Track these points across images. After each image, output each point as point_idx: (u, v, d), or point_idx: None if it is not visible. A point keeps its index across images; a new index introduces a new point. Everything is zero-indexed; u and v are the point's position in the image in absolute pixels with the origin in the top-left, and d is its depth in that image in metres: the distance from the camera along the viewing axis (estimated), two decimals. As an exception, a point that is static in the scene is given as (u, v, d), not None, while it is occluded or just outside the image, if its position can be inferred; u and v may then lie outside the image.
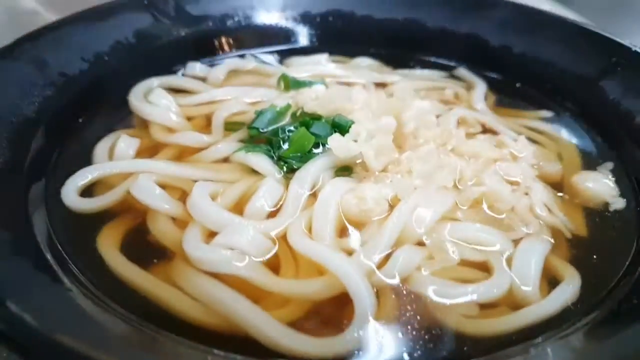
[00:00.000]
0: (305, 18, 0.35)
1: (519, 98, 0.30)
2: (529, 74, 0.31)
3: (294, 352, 0.16)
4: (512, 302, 0.19)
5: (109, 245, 0.20)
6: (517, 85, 0.31)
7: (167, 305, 0.18)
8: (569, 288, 0.18)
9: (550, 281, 0.20)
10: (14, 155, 0.23)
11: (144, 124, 0.27)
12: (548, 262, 0.20)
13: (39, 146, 0.24)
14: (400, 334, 0.17)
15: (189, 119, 0.27)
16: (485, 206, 0.21)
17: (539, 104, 0.29)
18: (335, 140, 0.23)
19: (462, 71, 0.32)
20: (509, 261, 0.20)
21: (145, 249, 0.20)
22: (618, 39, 0.29)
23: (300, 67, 0.32)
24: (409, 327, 0.18)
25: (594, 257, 0.20)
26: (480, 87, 0.30)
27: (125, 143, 0.25)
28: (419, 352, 0.16)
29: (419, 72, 0.33)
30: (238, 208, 0.22)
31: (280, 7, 0.35)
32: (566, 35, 0.30)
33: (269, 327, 0.17)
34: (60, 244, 0.20)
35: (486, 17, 0.33)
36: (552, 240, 0.20)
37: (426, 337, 0.17)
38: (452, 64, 0.33)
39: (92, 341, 0.16)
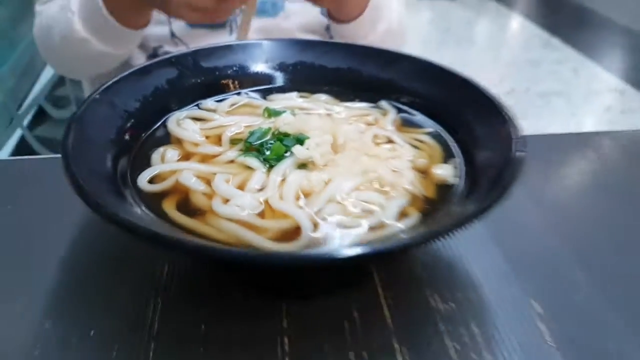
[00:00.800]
0: (281, 66, 0.48)
1: (415, 121, 0.46)
2: (423, 105, 0.47)
3: (272, 249, 0.32)
4: (380, 228, 0.35)
5: (170, 207, 0.34)
6: (415, 112, 0.47)
7: (204, 234, 0.33)
8: (412, 219, 0.34)
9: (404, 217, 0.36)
10: (108, 162, 0.38)
11: (178, 141, 0.42)
12: (405, 209, 0.36)
13: (119, 155, 0.39)
14: (324, 243, 0.33)
15: (207, 137, 0.42)
16: (377, 184, 0.37)
17: (425, 124, 0.45)
18: (297, 149, 0.39)
19: (383, 103, 0.48)
20: (383, 208, 0.35)
21: (190, 209, 0.36)
22: (476, 83, 0.46)
23: (277, 102, 0.46)
24: (328, 239, 0.34)
25: (434, 208, 0.36)
26: (392, 114, 0.46)
27: (170, 153, 0.39)
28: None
29: (356, 104, 0.48)
30: (241, 187, 0.37)
31: (264, 60, 0.49)
32: (447, 81, 0.46)
33: (259, 241, 0.32)
34: (144, 207, 0.35)
35: (400, 68, 0.48)
36: (410, 199, 0.36)
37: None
38: (378, 98, 0.49)
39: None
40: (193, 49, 0.47)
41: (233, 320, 0.36)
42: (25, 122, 1.56)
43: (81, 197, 0.29)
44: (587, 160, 0.58)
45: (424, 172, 0.39)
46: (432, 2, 4.64)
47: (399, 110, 0.46)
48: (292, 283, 0.38)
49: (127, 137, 0.40)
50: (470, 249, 0.43)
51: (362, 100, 0.48)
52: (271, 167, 0.38)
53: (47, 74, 1.77)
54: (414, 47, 3.92)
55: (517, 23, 4.33)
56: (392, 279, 0.40)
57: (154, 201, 0.35)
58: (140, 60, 0.71)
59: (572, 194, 0.52)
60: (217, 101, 0.47)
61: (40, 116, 1.66)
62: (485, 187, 0.33)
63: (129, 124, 0.41)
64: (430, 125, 0.44)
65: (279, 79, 0.50)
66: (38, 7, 0.69)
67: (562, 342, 0.36)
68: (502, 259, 0.43)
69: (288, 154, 0.39)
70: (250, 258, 0.27)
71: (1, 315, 0.37)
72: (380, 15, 0.65)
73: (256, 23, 0.67)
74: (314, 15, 0.66)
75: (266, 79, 0.49)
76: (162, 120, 0.43)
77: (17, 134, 1.51)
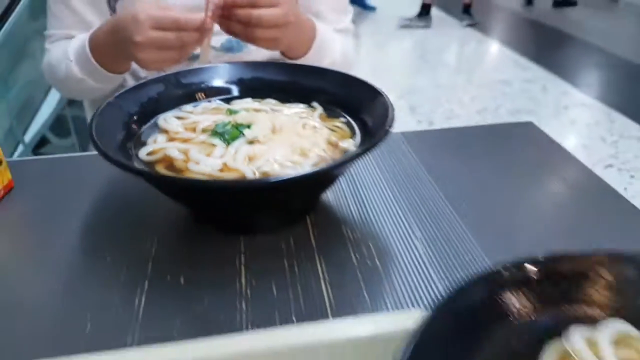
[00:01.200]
0: (240, 81, 0.64)
1: (335, 114, 0.64)
2: (342, 104, 0.64)
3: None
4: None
5: (160, 168, 0.52)
6: (336, 108, 0.65)
7: (184, 184, 0.51)
8: (324, 165, 0.51)
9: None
10: (119, 142, 0.55)
11: (165, 131, 0.60)
12: (316, 164, 0.53)
13: (126, 139, 0.57)
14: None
15: (186, 129, 0.61)
16: (299, 151, 0.55)
17: (341, 116, 0.63)
18: (246, 131, 0.56)
19: (314, 103, 0.66)
20: (301, 165, 0.53)
21: (174, 170, 0.53)
22: (374, 85, 0.64)
23: (236, 105, 0.65)
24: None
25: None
26: (319, 110, 0.63)
27: (160, 138, 0.58)
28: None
29: (295, 105, 0.67)
30: (207, 156, 0.55)
31: (227, 77, 0.68)
32: (357, 86, 0.63)
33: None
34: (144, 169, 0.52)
35: (327, 79, 0.65)
36: (321, 160, 0.54)
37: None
38: (311, 100, 0.66)
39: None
40: (175, 71, 0.66)
41: (207, 247, 0.54)
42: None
43: (108, 160, 0.47)
44: (458, 146, 0.77)
45: (335, 145, 0.57)
46: (411, 31, 4.91)
47: (325, 108, 0.65)
48: (248, 222, 0.56)
49: (133, 127, 0.58)
50: (376, 200, 0.61)
51: (299, 102, 0.66)
52: (229, 144, 0.56)
53: (49, 105, 1.96)
54: (394, 72, 4.12)
55: (491, 47, 4.61)
56: (319, 220, 0.58)
57: (150, 166, 0.53)
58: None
59: (450, 164, 0.70)
60: (194, 106, 0.64)
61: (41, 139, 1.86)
62: (365, 148, 0.51)
63: (131, 120, 0.59)
64: (344, 116, 0.62)
65: (239, 89, 0.68)
66: (47, 45, 0.88)
67: (430, 252, 0.53)
68: (397, 204, 0.61)
69: (241, 136, 0.57)
70: (203, 183, 0.45)
71: (47, 252, 0.54)
72: (323, 55, 0.84)
73: (224, 57, 0.86)
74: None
75: (230, 90, 0.68)
76: (154, 119, 0.61)
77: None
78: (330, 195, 0.62)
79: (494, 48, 4.56)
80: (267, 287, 0.48)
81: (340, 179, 0.65)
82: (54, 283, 0.50)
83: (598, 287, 0.30)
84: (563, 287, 0.30)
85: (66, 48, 0.81)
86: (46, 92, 2.02)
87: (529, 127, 0.81)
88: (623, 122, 3.08)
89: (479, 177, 0.67)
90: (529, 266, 0.30)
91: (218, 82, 0.67)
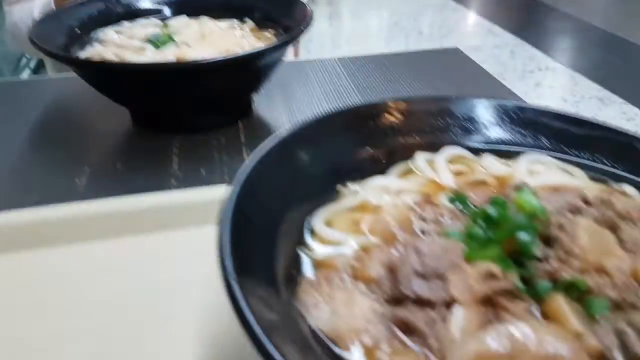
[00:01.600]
0: (176, 1, 0.72)
1: (264, 26, 0.69)
2: (272, 19, 0.70)
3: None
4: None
5: None
6: (267, 22, 0.69)
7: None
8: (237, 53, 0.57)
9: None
10: (62, 46, 0.60)
11: (104, 41, 0.65)
12: None
13: (68, 44, 0.61)
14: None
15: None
16: (225, 51, 0.60)
17: (270, 28, 0.68)
18: (177, 37, 0.62)
19: (246, 19, 0.70)
20: None
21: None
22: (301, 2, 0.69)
23: (171, 21, 0.69)
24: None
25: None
26: (249, 24, 0.69)
27: (99, 46, 0.63)
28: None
29: (228, 21, 0.72)
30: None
31: None
32: (286, 1, 0.70)
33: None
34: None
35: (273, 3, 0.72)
36: None
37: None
38: (244, 17, 0.71)
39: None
40: (115, -8, 0.70)
41: (145, 143, 0.60)
42: None
43: (52, 57, 0.52)
44: (388, 69, 0.83)
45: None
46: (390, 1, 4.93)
47: (258, 24, 0.70)
48: (181, 121, 0.61)
49: (73, 38, 0.62)
50: (306, 110, 0.67)
51: (233, 18, 0.71)
52: (159, 48, 0.61)
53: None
54: (370, 40, 4.15)
55: (463, 15, 4.66)
56: (250, 124, 0.64)
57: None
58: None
59: (378, 83, 0.77)
60: (132, 22, 0.69)
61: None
62: (280, 43, 0.57)
63: (72, 33, 0.63)
64: (273, 28, 0.67)
65: (175, 9, 0.72)
66: (6, 7, 0.92)
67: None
68: (320, 96, 0.66)
69: (172, 41, 0.62)
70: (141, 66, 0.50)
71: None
72: None
73: None
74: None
75: (166, 10, 0.72)
76: (94, 33, 0.66)
77: None
78: (263, 107, 0.68)
79: (466, 15, 4.62)
80: (197, 170, 0.54)
81: (275, 94, 0.70)
82: (3, 172, 0.55)
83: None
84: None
85: (30, 7, 0.85)
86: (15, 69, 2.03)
87: (455, 52, 0.87)
88: (586, 84, 3.18)
89: (405, 93, 0.73)
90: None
91: (156, 3, 0.71)
